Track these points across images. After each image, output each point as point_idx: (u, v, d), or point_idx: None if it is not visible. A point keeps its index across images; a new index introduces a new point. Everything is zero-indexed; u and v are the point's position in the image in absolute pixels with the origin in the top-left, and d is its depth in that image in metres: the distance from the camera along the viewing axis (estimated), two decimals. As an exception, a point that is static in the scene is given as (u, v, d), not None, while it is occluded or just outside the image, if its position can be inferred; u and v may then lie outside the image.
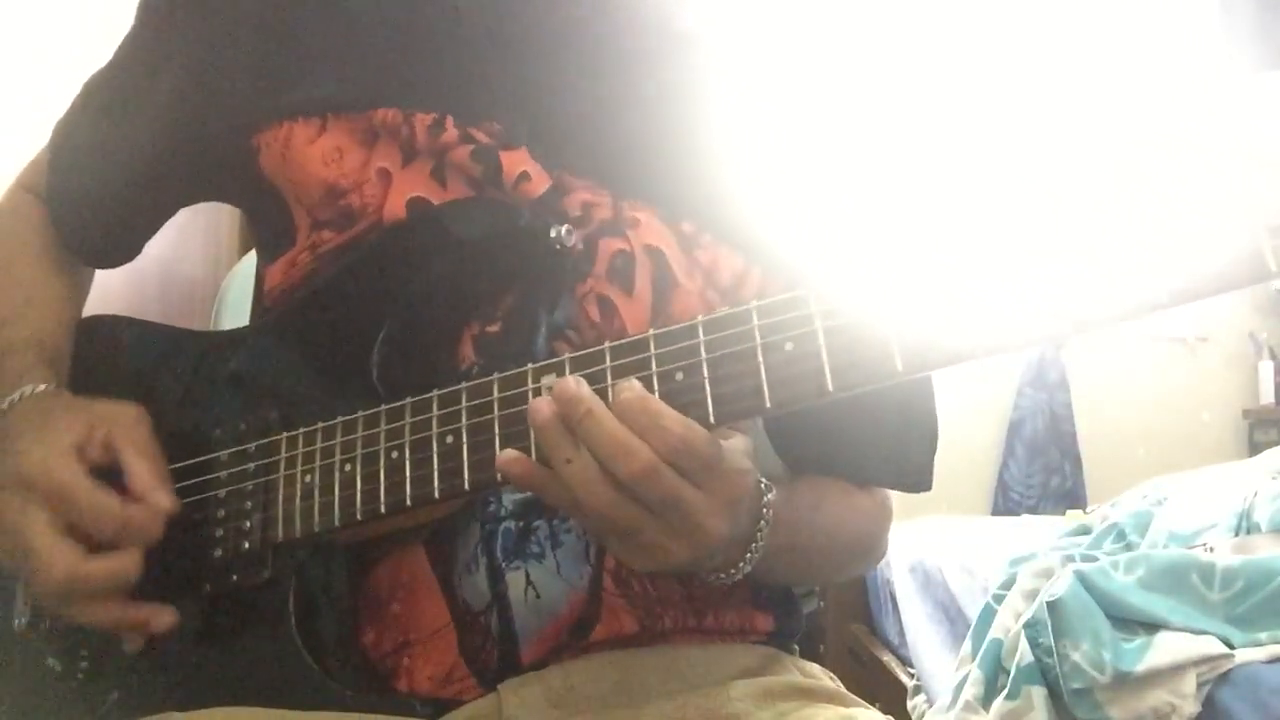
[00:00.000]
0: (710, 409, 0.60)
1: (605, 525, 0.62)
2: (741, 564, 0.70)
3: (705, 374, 0.61)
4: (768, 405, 0.59)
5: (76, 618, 0.74)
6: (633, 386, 0.61)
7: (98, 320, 0.91)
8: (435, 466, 0.68)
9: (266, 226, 0.85)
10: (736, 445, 0.63)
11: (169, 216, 0.93)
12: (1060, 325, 0.53)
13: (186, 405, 0.82)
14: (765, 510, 0.69)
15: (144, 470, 0.75)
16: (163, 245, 0.95)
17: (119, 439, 0.76)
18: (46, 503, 0.72)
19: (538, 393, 0.65)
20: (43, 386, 0.80)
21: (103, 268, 0.96)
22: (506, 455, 0.63)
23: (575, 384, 0.61)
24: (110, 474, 0.75)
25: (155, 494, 0.74)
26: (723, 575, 0.70)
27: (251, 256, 1.16)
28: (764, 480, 0.70)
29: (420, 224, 0.76)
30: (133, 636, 0.76)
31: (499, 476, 0.65)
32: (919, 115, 0.86)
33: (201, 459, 0.78)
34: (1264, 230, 0.49)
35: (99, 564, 0.72)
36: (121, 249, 0.94)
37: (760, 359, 0.59)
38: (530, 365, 0.66)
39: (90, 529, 0.72)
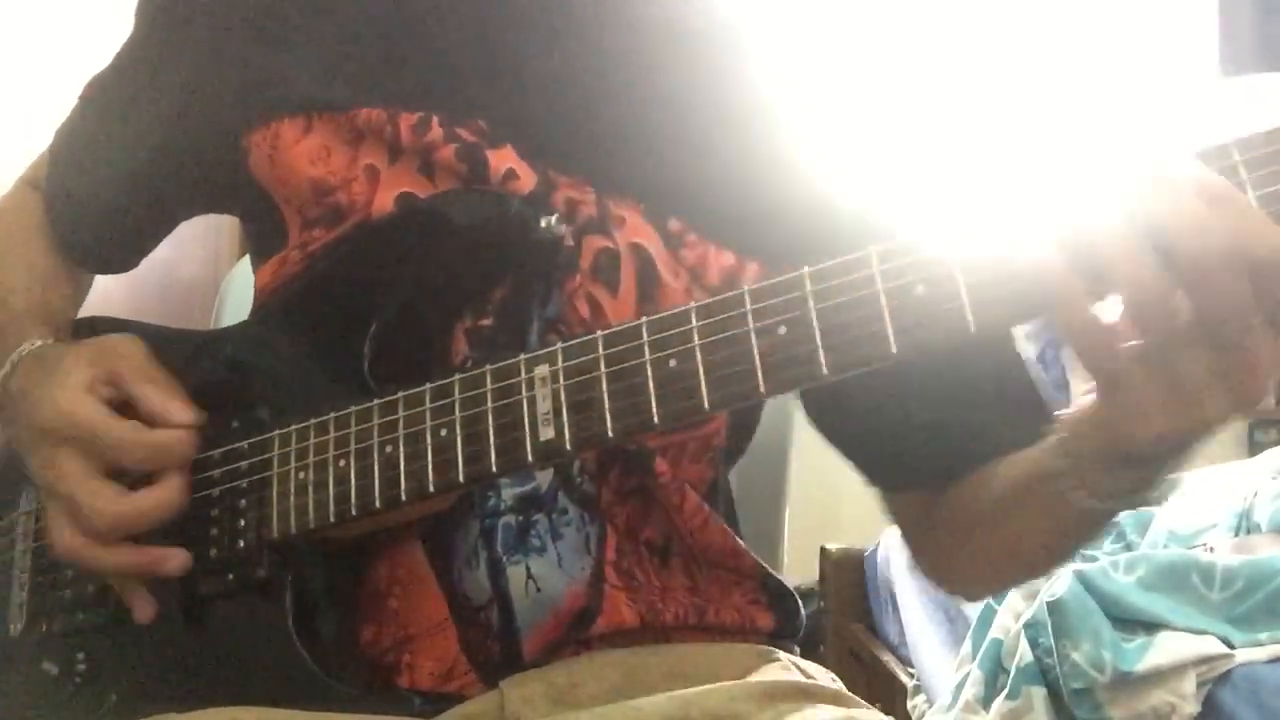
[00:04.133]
0: (705, 396, 0.60)
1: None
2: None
3: (699, 360, 0.60)
4: (762, 390, 0.59)
5: (99, 565, 0.73)
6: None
7: (96, 321, 0.91)
8: (429, 460, 0.67)
9: (259, 229, 0.85)
10: None
11: (168, 229, 0.93)
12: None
13: None
14: None
15: (153, 393, 0.74)
16: (162, 246, 0.96)
17: (122, 370, 0.75)
18: (76, 447, 0.72)
19: (530, 384, 0.65)
20: (39, 342, 0.80)
21: (99, 273, 0.96)
22: None
23: None
24: (124, 409, 0.74)
25: (172, 411, 0.73)
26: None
27: (251, 257, 1.16)
28: None
29: (409, 215, 0.76)
30: (142, 605, 0.75)
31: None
32: (904, 104, 0.86)
33: (196, 457, 0.78)
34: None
35: (146, 496, 0.71)
36: (118, 256, 0.94)
37: (753, 343, 0.59)
38: (523, 355, 0.66)
39: (124, 461, 0.72)
